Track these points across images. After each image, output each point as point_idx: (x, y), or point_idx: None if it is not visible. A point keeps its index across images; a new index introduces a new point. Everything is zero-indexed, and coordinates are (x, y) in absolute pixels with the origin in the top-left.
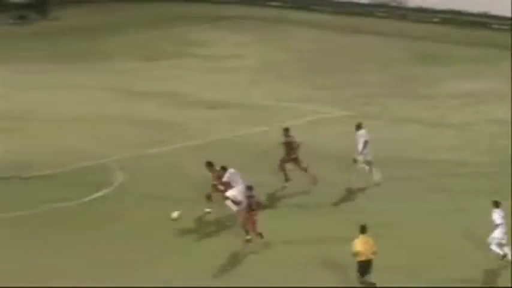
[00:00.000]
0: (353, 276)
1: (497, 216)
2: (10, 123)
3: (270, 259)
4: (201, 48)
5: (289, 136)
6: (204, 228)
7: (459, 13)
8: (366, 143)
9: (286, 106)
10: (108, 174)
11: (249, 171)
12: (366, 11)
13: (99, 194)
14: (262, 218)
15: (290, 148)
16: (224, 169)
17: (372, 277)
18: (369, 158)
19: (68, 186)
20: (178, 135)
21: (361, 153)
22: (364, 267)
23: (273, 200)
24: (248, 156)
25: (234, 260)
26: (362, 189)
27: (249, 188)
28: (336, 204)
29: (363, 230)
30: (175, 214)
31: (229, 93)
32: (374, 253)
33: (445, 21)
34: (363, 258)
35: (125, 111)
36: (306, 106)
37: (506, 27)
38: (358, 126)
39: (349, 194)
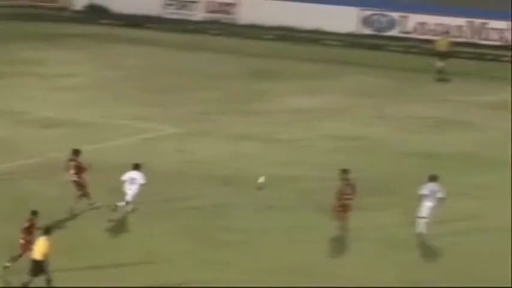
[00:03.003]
0: None
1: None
2: None
3: None
4: (34, 67)
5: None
6: None
7: (292, 30)
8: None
9: (118, 124)
10: None
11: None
12: (199, 28)
13: None
14: None
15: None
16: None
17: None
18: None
19: None
20: (13, 154)
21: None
22: (32, 266)
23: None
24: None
25: None
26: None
27: None
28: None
29: (46, 231)
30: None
31: (64, 111)
32: (43, 255)
33: (279, 37)
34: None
35: None
36: (139, 124)
37: (338, 42)
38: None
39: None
